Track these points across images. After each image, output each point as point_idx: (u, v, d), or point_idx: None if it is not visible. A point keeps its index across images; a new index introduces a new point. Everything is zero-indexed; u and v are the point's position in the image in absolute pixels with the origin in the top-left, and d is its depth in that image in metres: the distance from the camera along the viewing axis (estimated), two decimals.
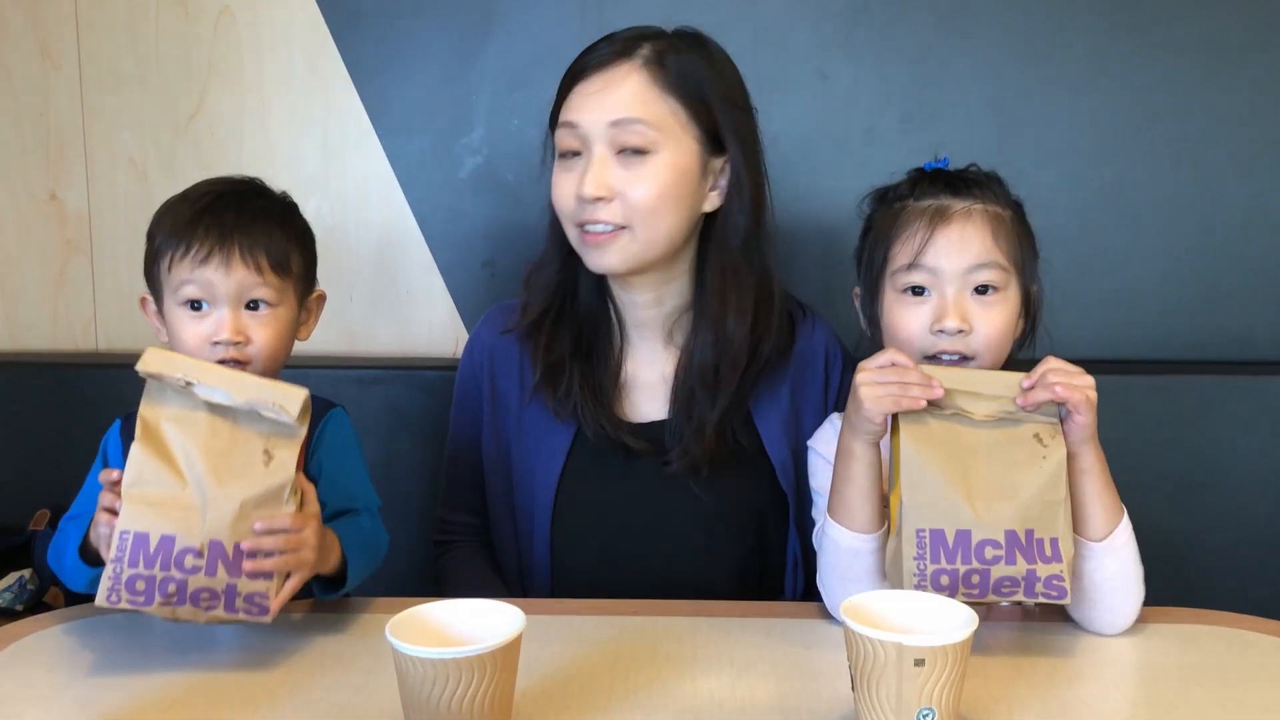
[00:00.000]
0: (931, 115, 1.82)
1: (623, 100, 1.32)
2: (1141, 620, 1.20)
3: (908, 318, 1.22)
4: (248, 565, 1.09)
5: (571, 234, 1.37)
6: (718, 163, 1.38)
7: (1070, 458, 1.13)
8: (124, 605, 1.08)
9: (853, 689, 0.96)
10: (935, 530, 1.10)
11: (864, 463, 1.17)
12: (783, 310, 1.43)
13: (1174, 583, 1.70)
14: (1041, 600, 1.10)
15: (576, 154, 1.35)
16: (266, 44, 1.85)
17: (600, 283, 1.44)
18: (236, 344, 1.22)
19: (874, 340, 1.29)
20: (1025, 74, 1.80)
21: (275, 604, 1.10)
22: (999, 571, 1.09)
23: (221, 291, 1.22)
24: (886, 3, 1.80)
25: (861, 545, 1.18)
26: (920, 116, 1.82)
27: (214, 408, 1.12)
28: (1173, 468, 1.75)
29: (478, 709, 0.92)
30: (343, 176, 1.88)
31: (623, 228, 1.33)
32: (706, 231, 1.41)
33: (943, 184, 1.25)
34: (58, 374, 1.86)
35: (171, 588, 1.08)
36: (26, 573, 1.66)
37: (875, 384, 1.13)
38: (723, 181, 1.39)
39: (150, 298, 1.29)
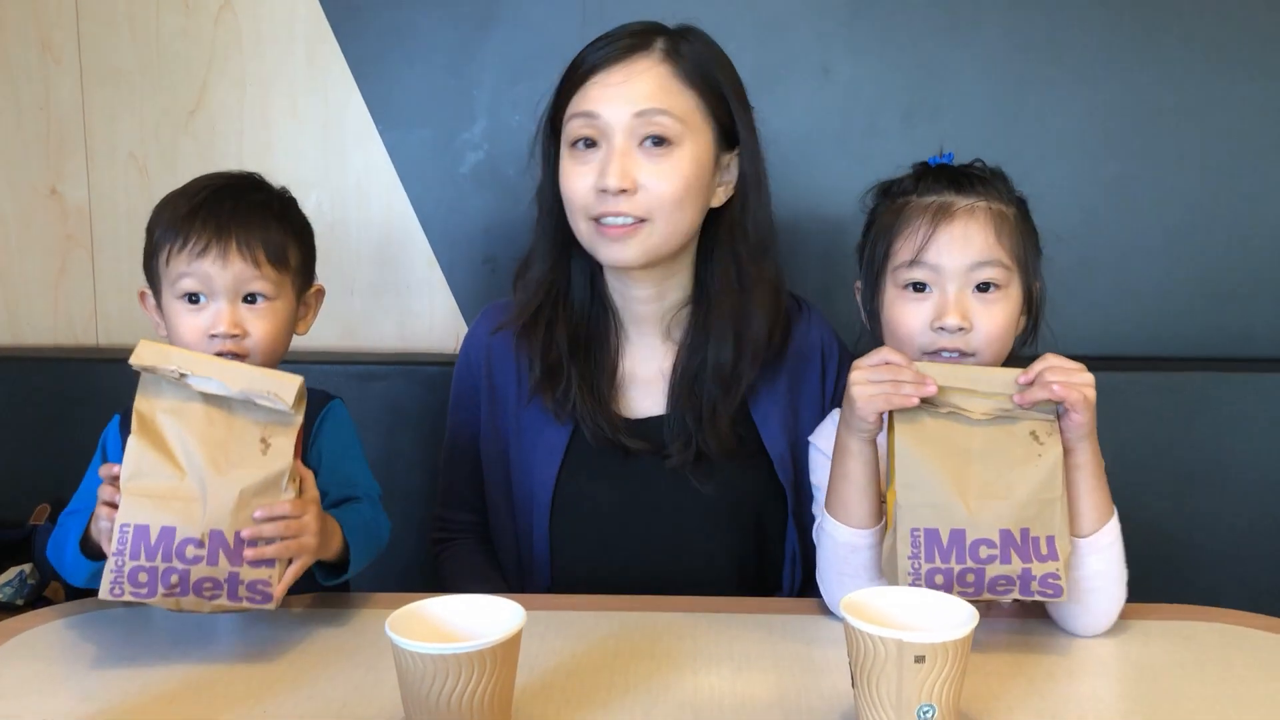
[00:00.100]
0: (934, 110, 1.81)
1: (647, 91, 1.32)
2: (1141, 616, 1.20)
3: (908, 314, 1.21)
4: (249, 553, 1.09)
5: (582, 227, 1.36)
6: (726, 157, 1.38)
7: (1065, 453, 1.13)
8: (127, 598, 1.08)
9: (853, 685, 0.96)
10: (930, 530, 1.10)
11: (860, 459, 1.17)
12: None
13: (1174, 579, 1.71)
14: (1037, 599, 1.10)
15: (590, 146, 1.34)
16: (267, 38, 1.85)
17: (593, 279, 1.43)
18: (234, 337, 1.22)
19: (874, 335, 1.29)
20: (1029, 69, 1.80)
21: (278, 590, 1.11)
22: (994, 571, 1.09)
23: (219, 284, 1.22)
24: None
25: (858, 541, 1.18)
26: (923, 111, 1.81)
27: (209, 398, 1.13)
28: (1173, 463, 1.75)
29: (478, 704, 0.92)
30: (343, 171, 1.88)
31: (643, 220, 1.32)
32: (706, 227, 1.40)
33: (947, 180, 1.24)
34: (58, 369, 1.86)
35: (174, 579, 1.08)
36: (27, 567, 1.66)
37: (868, 382, 1.14)
38: (728, 176, 1.39)
39: (149, 292, 1.29)
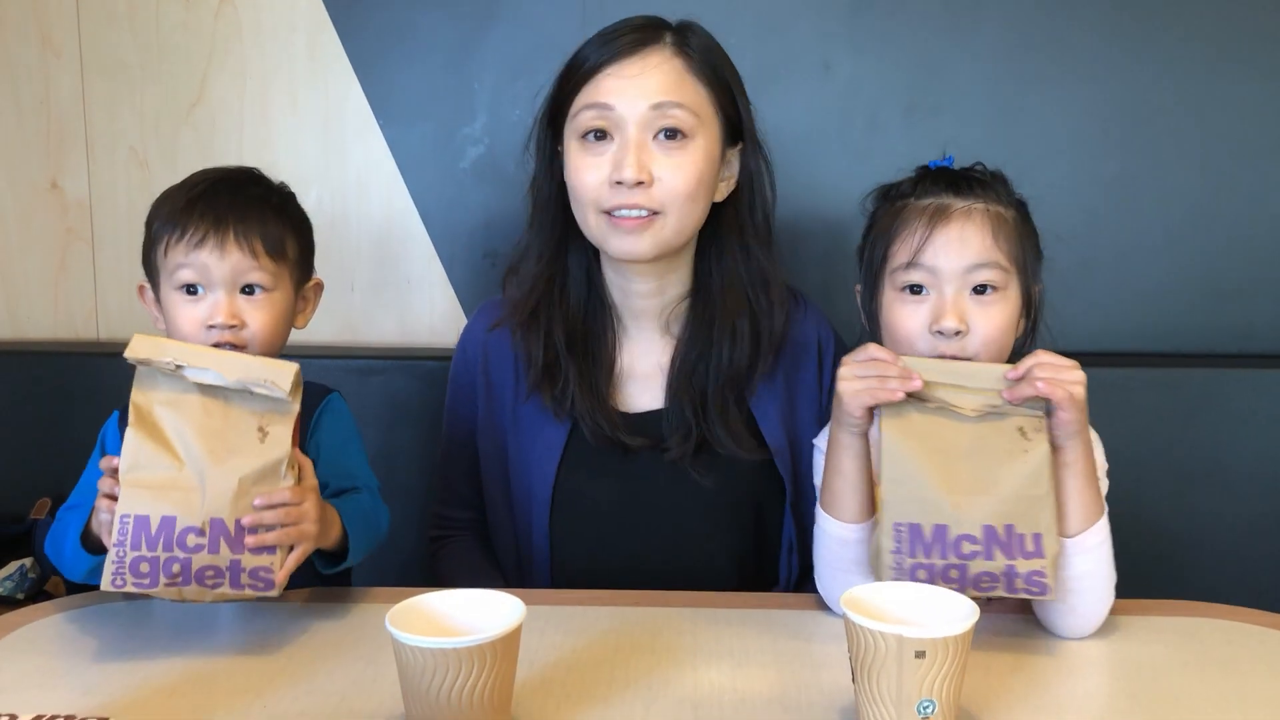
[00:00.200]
0: (935, 106, 1.81)
1: (663, 83, 1.32)
2: (1142, 613, 1.20)
3: (906, 317, 1.21)
4: (250, 540, 1.10)
5: (592, 220, 1.35)
6: (730, 152, 1.39)
7: (1054, 451, 1.13)
8: (129, 589, 1.08)
9: (853, 681, 0.96)
10: (913, 524, 1.10)
11: (851, 453, 1.17)
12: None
13: (1175, 576, 1.71)
14: (1023, 596, 1.10)
15: (601, 139, 1.33)
16: (268, 32, 1.84)
17: (590, 273, 1.43)
18: (232, 328, 1.22)
19: (874, 337, 1.28)
20: (1030, 65, 1.80)
21: (280, 576, 1.11)
22: (977, 567, 1.09)
23: (216, 275, 1.22)
24: None
25: (850, 535, 1.18)
26: (924, 108, 1.81)
27: (205, 389, 1.13)
28: (1173, 460, 1.75)
29: (478, 699, 0.92)
30: (343, 165, 1.88)
31: (656, 213, 1.32)
32: (705, 220, 1.40)
33: (945, 183, 1.24)
34: (58, 363, 1.86)
35: (176, 568, 1.08)
36: (27, 561, 1.66)
37: (855, 378, 1.14)
38: (730, 170, 1.39)
39: (148, 285, 1.29)
